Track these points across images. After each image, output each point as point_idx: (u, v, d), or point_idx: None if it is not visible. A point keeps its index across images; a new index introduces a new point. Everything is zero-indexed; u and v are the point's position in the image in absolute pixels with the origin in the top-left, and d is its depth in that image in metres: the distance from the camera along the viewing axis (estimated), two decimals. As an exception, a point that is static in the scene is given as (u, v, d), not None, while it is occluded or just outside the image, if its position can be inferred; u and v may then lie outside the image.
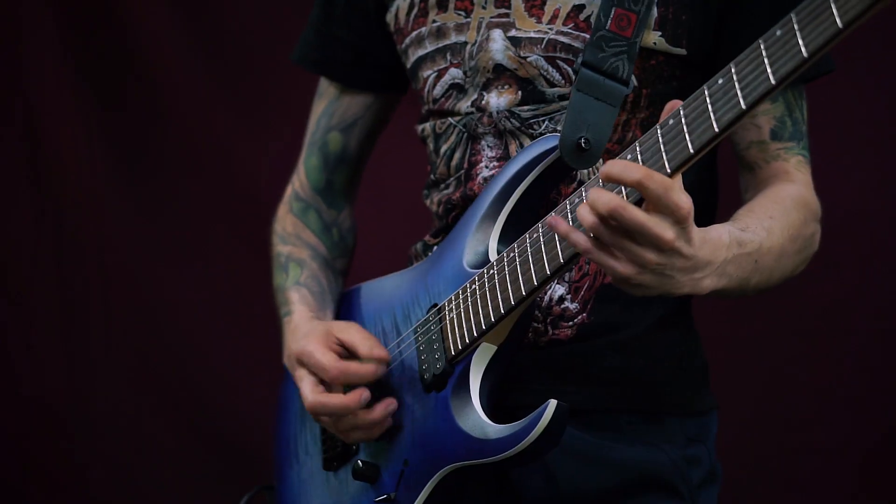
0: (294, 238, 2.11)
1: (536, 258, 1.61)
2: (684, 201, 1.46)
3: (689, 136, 1.44)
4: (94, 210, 3.26)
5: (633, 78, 1.76)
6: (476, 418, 1.68)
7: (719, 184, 1.94)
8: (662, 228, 1.46)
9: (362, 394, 1.78)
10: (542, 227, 1.63)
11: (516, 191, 1.75)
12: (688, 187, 1.49)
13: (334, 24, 2.08)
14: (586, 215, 1.47)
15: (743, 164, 1.86)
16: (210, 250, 3.31)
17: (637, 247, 1.47)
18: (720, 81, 1.41)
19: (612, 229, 1.46)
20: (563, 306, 1.80)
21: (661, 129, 1.48)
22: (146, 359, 3.27)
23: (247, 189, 3.30)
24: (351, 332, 1.84)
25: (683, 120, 1.45)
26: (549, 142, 1.73)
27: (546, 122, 1.82)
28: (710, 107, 1.42)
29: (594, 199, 1.46)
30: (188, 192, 3.30)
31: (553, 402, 1.58)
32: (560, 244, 1.58)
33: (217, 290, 3.30)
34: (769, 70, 1.35)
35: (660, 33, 1.77)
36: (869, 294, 3.01)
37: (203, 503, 3.25)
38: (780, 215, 1.73)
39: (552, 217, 1.56)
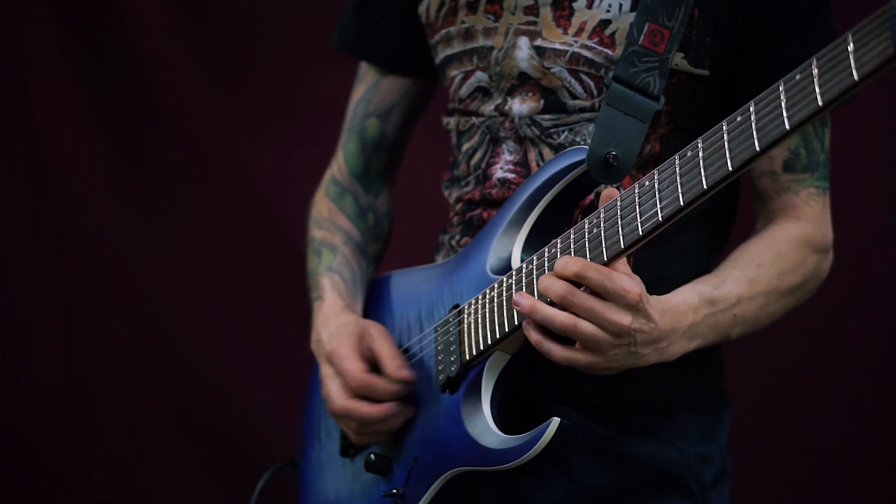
0: (328, 223, 2.13)
1: None
2: (630, 286, 1.55)
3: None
4: (94, 209, 3.25)
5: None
6: (484, 425, 1.70)
7: (741, 190, 1.94)
8: (615, 314, 1.56)
9: (391, 408, 1.81)
10: (561, 243, 1.64)
11: (542, 200, 1.76)
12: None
13: (373, 8, 2.09)
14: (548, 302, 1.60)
15: (755, 191, 1.87)
16: (210, 250, 3.31)
17: (600, 332, 1.57)
18: (738, 119, 1.44)
19: (574, 311, 1.57)
20: None
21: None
22: (146, 359, 3.27)
23: (247, 188, 3.30)
24: (381, 344, 1.85)
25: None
26: (577, 154, 1.74)
27: (566, 133, 1.83)
28: (725, 144, 1.45)
29: (546, 286, 1.58)
30: (188, 191, 3.30)
31: (556, 421, 1.60)
32: None
33: (217, 289, 3.30)
34: (785, 115, 1.38)
35: (683, 54, 1.78)
36: (869, 294, 3.00)
37: (203, 502, 3.26)
38: (770, 261, 1.76)
39: (519, 295, 1.64)
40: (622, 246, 1.55)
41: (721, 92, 1.82)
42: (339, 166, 2.17)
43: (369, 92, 2.13)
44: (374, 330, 1.89)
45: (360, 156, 2.14)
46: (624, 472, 1.80)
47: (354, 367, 1.83)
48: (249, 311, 3.30)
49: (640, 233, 1.53)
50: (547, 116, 1.83)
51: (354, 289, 2.02)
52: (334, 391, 1.84)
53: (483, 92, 1.90)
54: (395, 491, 1.79)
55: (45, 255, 3.25)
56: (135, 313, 3.28)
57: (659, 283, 1.72)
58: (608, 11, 1.80)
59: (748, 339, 3.01)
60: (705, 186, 1.46)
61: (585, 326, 1.57)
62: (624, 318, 1.56)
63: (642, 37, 1.74)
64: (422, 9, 1.99)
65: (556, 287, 1.57)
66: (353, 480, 1.91)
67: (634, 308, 1.56)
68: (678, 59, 1.77)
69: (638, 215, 1.53)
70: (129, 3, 3.22)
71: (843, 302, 3.00)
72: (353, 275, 2.04)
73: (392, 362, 1.82)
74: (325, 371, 1.88)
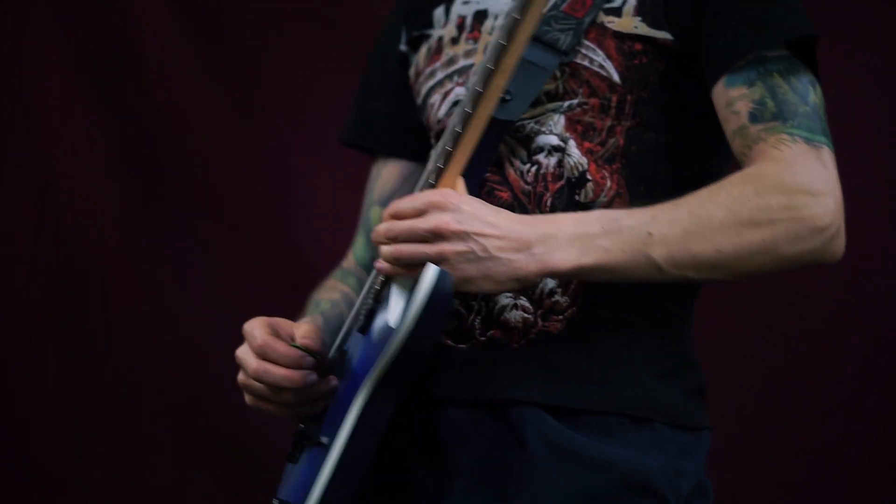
0: (329, 288, 2.11)
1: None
2: (432, 195, 1.62)
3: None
4: (94, 210, 3.26)
5: (615, 74, 1.76)
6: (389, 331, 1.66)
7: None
8: (429, 221, 1.61)
9: (308, 375, 1.76)
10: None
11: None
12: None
13: (371, 98, 2.11)
14: (386, 249, 1.66)
15: (739, 162, 1.76)
16: (210, 250, 3.31)
17: (427, 245, 1.61)
18: None
19: (401, 242, 1.63)
20: (553, 300, 1.77)
21: None
22: (146, 359, 3.27)
23: (248, 188, 3.30)
24: (304, 329, 1.83)
25: None
26: None
27: (531, 124, 1.81)
28: None
29: (380, 232, 1.67)
30: (188, 191, 3.30)
31: (432, 266, 1.58)
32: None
33: (217, 289, 3.30)
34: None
35: (640, 18, 1.76)
36: (868, 294, 3.01)
37: (203, 502, 3.26)
38: (706, 194, 1.64)
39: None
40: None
41: (688, 80, 1.78)
42: (348, 259, 2.16)
43: (372, 182, 2.12)
44: (304, 324, 1.85)
45: (366, 248, 2.11)
46: (595, 476, 1.70)
47: (259, 332, 1.80)
48: (249, 311, 3.28)
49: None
50: None
51: (334, 331, 1.96)
52: (246, 358, 1.80)
53: (458, 105, 1.90)
54: (320, 441, 1.74)
55: (45, 255, 3.25)
56: (135, 313, 3.28)
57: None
58: None
59: (746, 338, 3.03)
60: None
61: (404, 248, 1.63)
62: (440, 219, 1.60)
63: (565, 4, 1.78)
64: (411, 71, 2.01)
65: (380, 229, 1.65)
66: (293, 471, 1.84)
67: (446, 208, 1.61)
68: (636, 23, 1.76)
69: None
70: (130, 4, 3.22)
71: (843, 301, 3.00)
72: (340, 322, 1.98)
73: (301, 335, 1.80)
74: (240, 349, 1.83)
